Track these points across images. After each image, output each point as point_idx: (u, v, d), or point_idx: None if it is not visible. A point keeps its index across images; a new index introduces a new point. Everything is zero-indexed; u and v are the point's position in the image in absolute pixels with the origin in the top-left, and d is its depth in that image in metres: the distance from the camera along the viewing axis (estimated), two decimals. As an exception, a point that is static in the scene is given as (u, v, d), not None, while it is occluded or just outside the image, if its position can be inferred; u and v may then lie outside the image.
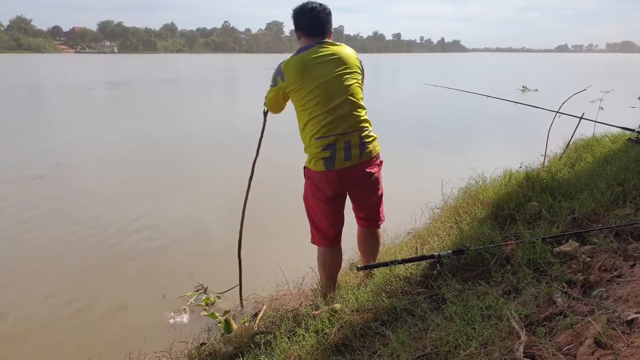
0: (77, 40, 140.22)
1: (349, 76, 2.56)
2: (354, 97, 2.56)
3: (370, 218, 2.88)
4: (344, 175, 2.58)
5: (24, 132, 11.18)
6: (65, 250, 4.77)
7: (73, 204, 6.09)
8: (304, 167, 2.76)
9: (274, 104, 2.80)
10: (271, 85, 2.68)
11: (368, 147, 2.59)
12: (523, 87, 22.93)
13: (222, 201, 6.12)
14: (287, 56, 2.66)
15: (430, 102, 17.08)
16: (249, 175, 3.19)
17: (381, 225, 2.96)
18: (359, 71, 2.65)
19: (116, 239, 5.02)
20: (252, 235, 4.90)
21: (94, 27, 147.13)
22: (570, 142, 5.54)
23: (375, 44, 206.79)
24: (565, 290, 2.09)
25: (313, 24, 2.58)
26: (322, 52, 2.54)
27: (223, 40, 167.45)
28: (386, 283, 2.55)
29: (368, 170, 2.64)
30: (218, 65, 58.92)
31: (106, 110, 16.27)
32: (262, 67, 49.54)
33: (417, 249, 3.07)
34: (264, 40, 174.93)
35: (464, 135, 11.06)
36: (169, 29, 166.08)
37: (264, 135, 3.15)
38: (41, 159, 8.49)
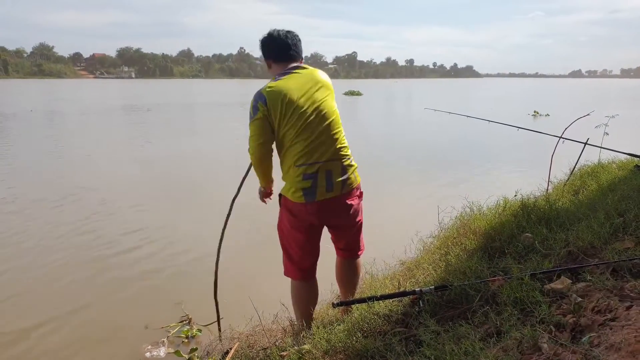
0: (96, 65, 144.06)
1: (329, 102, 2.50)
2: (335, 124, 2.50)
3: (349, 248, 2.77)
4: (325, 207, 2.48)
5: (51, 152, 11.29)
6: (61, 268, 4.75)
7: (80, 224, 6.04)
8: (281, 195, 2.62)
9: (260, 140, 2.45)
10: (252, 119, 2.44)
11: (350, 178, 2.51)
12: (535, 112, 22.70)
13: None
14: None
15: (436, 128, 16.93)
16: (227, 212, 3.09)
17: (361, 255, 2.83)
18: (333, 95, 2.59)
19: (110, 261, 4.97)
20: (240, 264, 4.79)
21: (113, 54, 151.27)
22: (576, 169, 5.32)
23: (388, 69, 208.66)
24: (552, 334, 1.88)
25: (285, 50, 2.54)
26: (300, 77, 2.47)
27: (238, 66, 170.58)
28: (363, 320, 2.36)
29: (349, 202, 2.56)
30: (234, 90, 59.66)
31: (134, 133, 16.43)
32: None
33: (399, 282, 2.87)
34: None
35: (467, 160, 10.81)
36: (186, 54, 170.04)
37: (245, 179, 3.05)
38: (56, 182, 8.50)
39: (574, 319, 1.95)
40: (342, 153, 2.49)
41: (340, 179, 2.46)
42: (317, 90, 2.46)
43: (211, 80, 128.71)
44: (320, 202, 2.44)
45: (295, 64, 2.54)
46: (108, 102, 34.50)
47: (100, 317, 3.91)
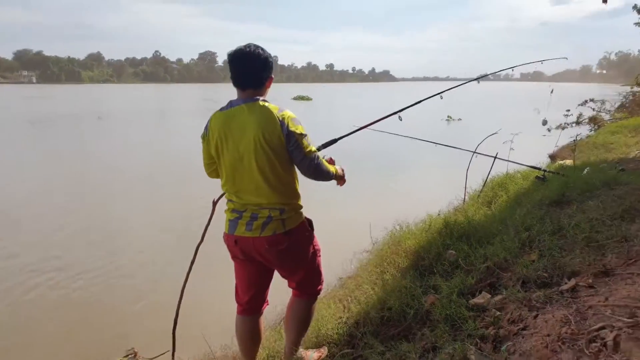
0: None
1: (266, 153, 2.25)
2: (269, 177, 2.28)
3: (292, 286, 2.63)
4: (243, 244, 2.36)
5: None
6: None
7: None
8: None
9: (204, 161, 2.47)
10: (202, 135, 2.42)
11: (274, 224, 2.31)
12: (448, 116, 24.21)
13: (172, 250, 5.91)
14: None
15: (356, 141, 17.42)
16: (192, 258, 3.03)
17: (307, 300, 2.61)
18: (279, 139, 2.25)
19: (46, 290, 4.76)
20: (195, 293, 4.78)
21: (9, 56, 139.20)
22: (487, 180, 5.92)
23: (309, 74, 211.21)
24: (478, 346, 2.22)
25: (239, 74, 2.31)
26: (242, 117, 2.26)
27: (154, 69, 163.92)
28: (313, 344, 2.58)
29: (271, 245, 2.32)
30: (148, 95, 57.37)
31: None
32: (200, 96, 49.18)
33: (344, 306, 3.13)
34: (196, 70, 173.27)
35: (390, 173, 11.19)
36: (95, 58, 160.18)
37: (210, 224, 2.99)
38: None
39: (495, 330, 2.31)
40: (274, 204, 2.32)
41: (262, 223, 2.31)
42: (256, 142, 2.24)
43: (125, 85, 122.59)
44: (237, 236, 2.36)
45: (246, 95, 2.31)
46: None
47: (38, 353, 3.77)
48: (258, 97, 2.31)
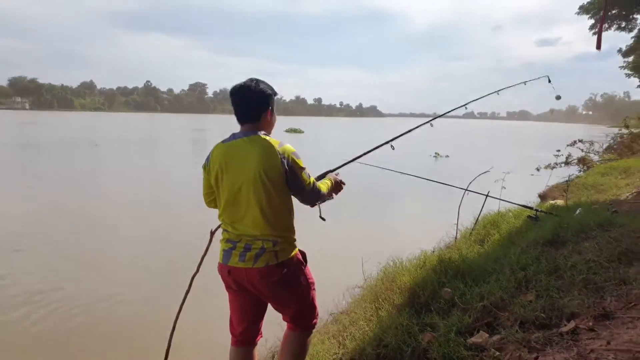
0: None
1: (264, 186, 2.30)
2: (265, 209, 2.31)
3: (286, 319, 2.58)
4: (236, 274, 2.36)
5: None
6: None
7: None
8: None
9: (204, 190, 2.53)
10: (203, 165, 2.49)
11: (267, 256, 2.31)
12: (436, 153, 24.49)
13: (167, 279, 5.79)
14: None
15: (346, 173, 17.50)
16: (187, 288, 3.00)
17: (302, 333, 2.57)
18: (279, 173, 2.30)
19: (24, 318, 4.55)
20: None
21: (4, 83, 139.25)
22: (479, 218, 5.94)
23: (298, 107, 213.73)
24: (478, 388, 2.17)
25: (239, 109, 2.40)
26: (243, 150, 2.33)
27: (144, 99, 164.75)
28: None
29: (263, 277, 2.32)
30: (139, 124, 57.40)
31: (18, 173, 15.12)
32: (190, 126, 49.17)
33: (339, 343, 3.05)
34: (186, 100, 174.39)
35: (380, 208, 11.24)
36: (88, 86, 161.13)
37: (206, 254, 2.97)
38: None
39: (494, 372, 2.26)
40: (267, 235, 2.32)
41: (255, 254, 2.31)
42: (255, 173, 2.29)
43: (116, 114, 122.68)
44: (231, 267, 2.36)
45: (246, 129, 2.38)
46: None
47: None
48: (259, 131, 2.37)
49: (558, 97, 4.93)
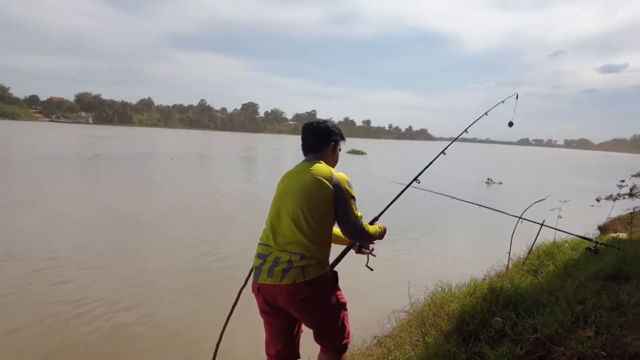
0: (52, 109, 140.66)
1: (306, 198, 2.43)
2: (301, 221, 2.41)
3: (316, 340, 2.59)
4: (265, 291, 2.43)
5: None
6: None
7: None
8: None
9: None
10: None
11: (294, 272, 2.35)
12: (488, 179, 23.84)
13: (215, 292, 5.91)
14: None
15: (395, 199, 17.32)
16: (234, 300, 3.06)
17: (334, 355, 2.56)
18: (330, 197, 2.43)
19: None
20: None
21: (71, 98, 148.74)
22: (533, 247, 5.70)
23: (346, 129, 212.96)
24: None
25: (303, 142, 2.68)
26: (297, 170, 2.58)
27: (199, 117, 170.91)
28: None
29: (289, 295, 2.36)
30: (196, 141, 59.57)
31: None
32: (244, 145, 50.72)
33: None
34: (238, 120, 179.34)
35: (430, 232, 10.93)
36: (146, 103, 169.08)
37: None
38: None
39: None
40: (298, 250, 2.39)
41: (282, 269, 2.37)
42: (302, 185, 2.45)
43: (173, 130, 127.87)
44: (260, 284, 2.44)
45: (307, 157, 2.64)
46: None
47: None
48: (317, 160, 2.59)
49: (510, 124, 4.63)
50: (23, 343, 4.45)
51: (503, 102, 4.69)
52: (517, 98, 4.57)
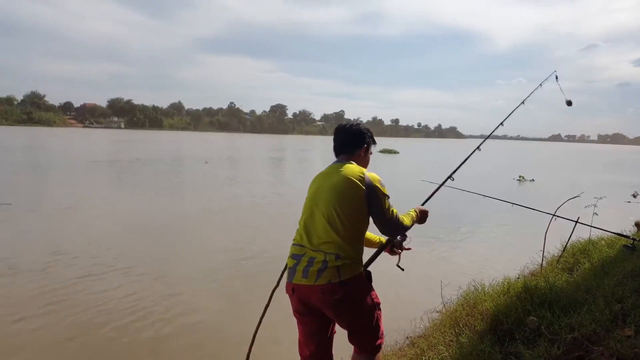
0: (86, 115, 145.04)
1: (339, 198, 2.45)
2: (335, 221, 2.43)
3: (350, 340, 2.59)
4: (299, 292, 2.45)
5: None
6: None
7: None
8: None
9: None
10: None
11: (329, 272, 2.37)
12: (520, 176, 23.33)
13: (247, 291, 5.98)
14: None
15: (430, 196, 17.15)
16: (266, 302, 3.13)
17: (367, 356, 2.56)
18: (362, 196, 2.45)
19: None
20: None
21: (104, 104, 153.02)
22: (567, 245, 5.59)
23: (374, 128, 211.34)
24: None
25: (335, 143, 2.72)
26: (329, 171, 2.61)
27: (228, 120, 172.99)
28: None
29: (325, 294, 2.38)
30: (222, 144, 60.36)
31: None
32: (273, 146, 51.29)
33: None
34: (267, 122, 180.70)
35: (462, 231, 10.73)
36: (176, 107, 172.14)
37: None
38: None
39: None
40: (331, 250, 2.41)
41: (317, 269, 2.39)
42: (335, 183, 2.48)
43: (203, 133, 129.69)
44: (295, 284, 2.46)
45: (338, 159, 2.67)
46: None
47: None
48: (348, 161, 2.61)
49: (569, 103, 4.42)
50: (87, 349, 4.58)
51: (541, 85, 4.50)
52: (556, 79, 4.42)
